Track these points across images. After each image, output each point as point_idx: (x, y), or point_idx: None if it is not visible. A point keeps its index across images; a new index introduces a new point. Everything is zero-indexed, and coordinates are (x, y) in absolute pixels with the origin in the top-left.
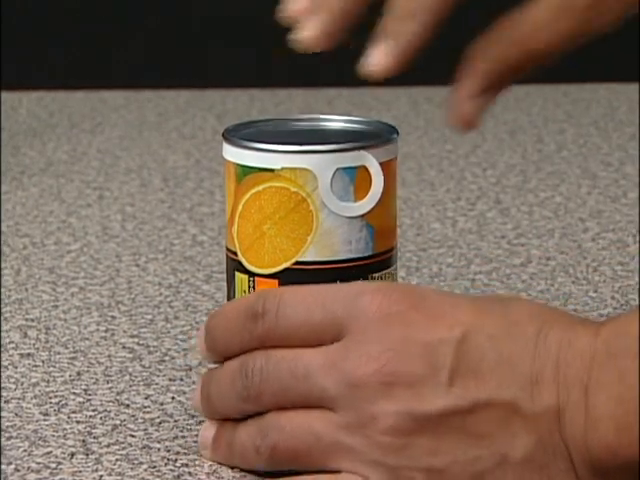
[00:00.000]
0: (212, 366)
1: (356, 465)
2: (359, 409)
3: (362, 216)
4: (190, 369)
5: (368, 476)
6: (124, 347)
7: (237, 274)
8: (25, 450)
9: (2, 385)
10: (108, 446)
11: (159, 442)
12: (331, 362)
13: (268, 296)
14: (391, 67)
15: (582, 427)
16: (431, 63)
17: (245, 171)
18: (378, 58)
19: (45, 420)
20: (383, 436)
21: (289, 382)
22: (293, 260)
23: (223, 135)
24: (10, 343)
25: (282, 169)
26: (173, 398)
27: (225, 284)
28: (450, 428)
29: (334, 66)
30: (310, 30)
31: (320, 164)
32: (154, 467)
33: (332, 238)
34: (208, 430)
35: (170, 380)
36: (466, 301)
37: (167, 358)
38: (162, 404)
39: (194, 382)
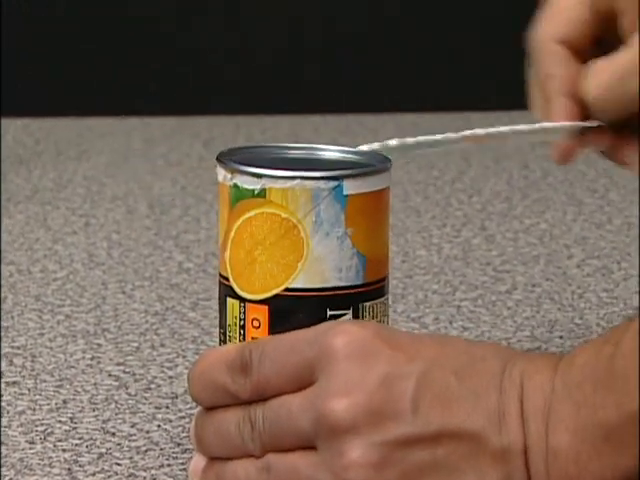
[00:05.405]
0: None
1: None
2: (331, 446)
3: (353, 244)
4: (176, 397)
5: None
6: (110, 375)
7: (229, 300)
8: (11, 479)
9: None
10: (94, 474)
11: (145, 470)
12: (307, 403)
13: (252, 348)
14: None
15: (544, 460)
16: (417, 90)
17: (238, 196)
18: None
19: (31, 448)
20: (347, 472)
21: (276, 430)
22: (283, 286)
23: (217, 159)
24: None
25: (273, 195)
26: (159, 426)
27: (213, 311)
28: (416, 460)
29: (320, 93)
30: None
31: (311, 191)
32: None
33: (322, 265)
34: (199, 461)
35: (156, 408)
36: (430, 338)
37: (153, 386)
38: (148, 432)
39: (180, 410)
